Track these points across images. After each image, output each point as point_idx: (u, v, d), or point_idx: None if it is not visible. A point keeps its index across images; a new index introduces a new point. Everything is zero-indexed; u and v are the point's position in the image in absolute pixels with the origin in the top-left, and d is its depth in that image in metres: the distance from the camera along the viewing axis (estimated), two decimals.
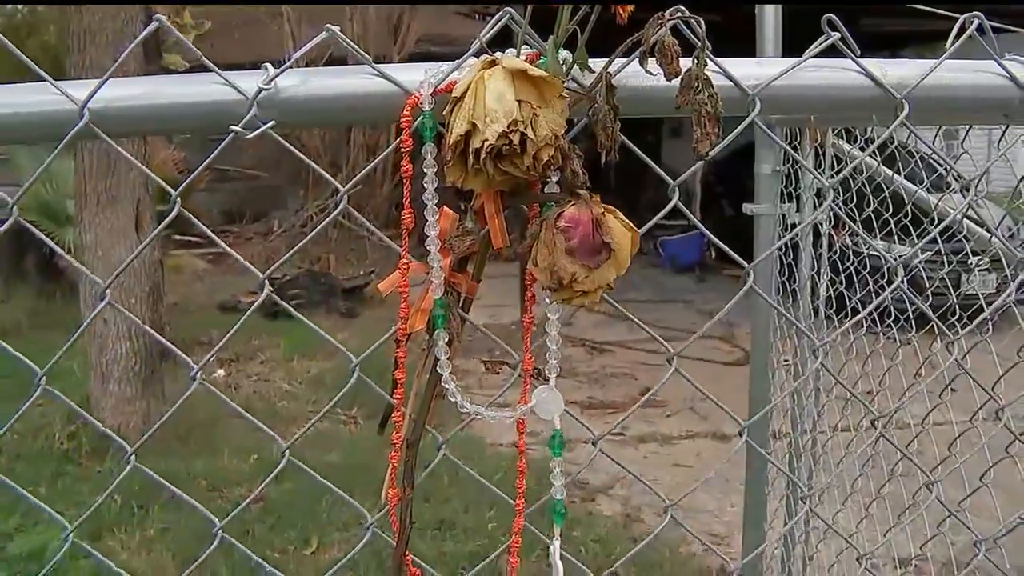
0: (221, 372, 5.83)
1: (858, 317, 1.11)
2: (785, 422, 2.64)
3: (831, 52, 0.75)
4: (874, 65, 0.77)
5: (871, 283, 2.41)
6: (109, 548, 3.31)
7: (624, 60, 0.68)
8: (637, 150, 0.72)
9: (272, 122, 0.71)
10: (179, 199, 0.76)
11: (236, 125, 0.70)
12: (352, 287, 7.88)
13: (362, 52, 0.70)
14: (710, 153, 0.64)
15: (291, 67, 0.71)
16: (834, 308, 2.54)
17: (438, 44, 14.35)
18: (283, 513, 3.81)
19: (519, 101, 0.62)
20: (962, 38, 0.77)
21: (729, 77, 0.72)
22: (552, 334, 0.72)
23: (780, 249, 2.53)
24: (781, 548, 2.67)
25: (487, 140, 0.62)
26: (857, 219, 2.38)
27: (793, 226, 2.57)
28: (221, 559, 3.33)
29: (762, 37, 2.26)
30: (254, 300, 6.91)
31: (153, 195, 4.46)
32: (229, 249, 0.85)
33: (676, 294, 8.47)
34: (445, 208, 0.73)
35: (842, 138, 2.41)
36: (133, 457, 0.86)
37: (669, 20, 0.63)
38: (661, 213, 0.80)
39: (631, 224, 0.67)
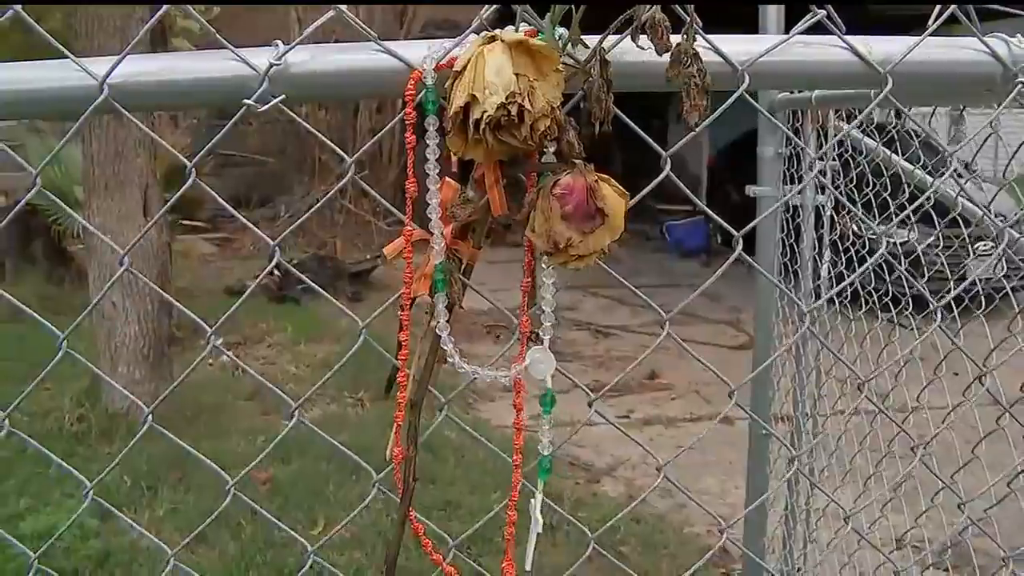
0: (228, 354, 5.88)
1: (839, 295, 1.14)
2: (787, 404, 2.68)
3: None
4: (860, 42, 0.80)
5: (872, 266, 2.43)
6: (119, 527, 3.37)
7: (617, 36, 0.71)
8: (629, 122, 0.76)
9: (283, 95, 0.75)
10: (194, 170, 0.79)
11: (249, 99, 0.73)
12: (359, 271, 7.93)
13: (368, 29, 0.73)
14: (699, 124, 0.68)
15: (300, 44, 0.74)
16: (836, 290, 2.56)
17: (443, 29, 14.36)
18: (290, 493, 3.87)
19: (517, 74, 0.66)
20: (944, 15, 0.80)
21: (719, 52, 0.76)
22: (547, 297, 0.76)
23: (782, 231, 2.56)
24: (783, 528, 2.71)
25: (486, 111, 0.65)
26: (857, 202, 2.40)
27: (795, 208, 2.60)
28: (229, 537, 3.40)
29: (765, 16, 2.29)
30: (263, 284, 6.92)
31: (160, 180, 4.50)
32: (244, 219, 0.89)
33: (682, 279, 8.51)
34: (447, 179, 0.76)
35: (844, 120, 2.42)
36: (151, 417, 0.90)
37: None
38: (654, 183, 0.83)
39: (624, 191, 0.70)
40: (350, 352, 0.87)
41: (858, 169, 2.41)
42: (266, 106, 0.74)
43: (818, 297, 2.57)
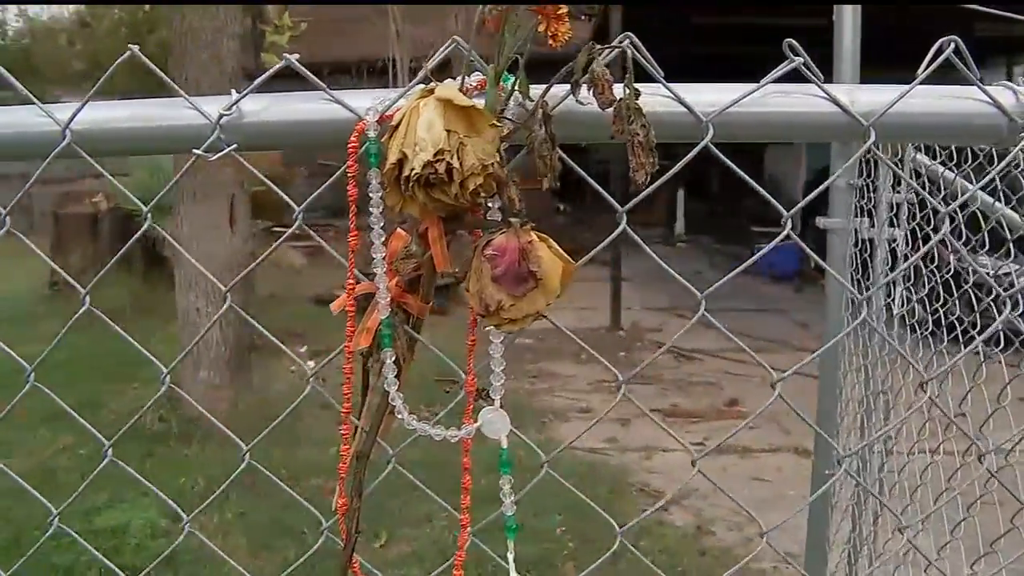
0: (311, 363, 6.02)
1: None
2: (849, 442, 2.56)
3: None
4: (844, 91, 0.75)
5: (956, 298, 2.30)
6: (188, 528, 3.48)
7: (563, 89, 0.68)
8: (583, 173, 0.72)
9: (235, 145, 0.75)
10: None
11: (199, 149, 0.73)
12: (444, 284, 7.97)
13: (317, 80, 0.73)
14: (647, 182, 0.64)
15: (252, 93, 0.74)
16: (915, 322, 2.43)
17: (543, 44, 14.41)
18: None
19: (448, 131, 0.64)
20: (936, 62, 0.73)
21: (682, 102, 0.72)
22: (495, 356, 0.73)
23: (853, 264, 2.46)
24: (845, 566, 2.59)
25: (414, 169, 0.63)
26: (931, 235, 2.27)
27: (863, 241, 2.48)
28: (291, 545, 3.46)
29: (840, 50, 2.20)
30: None
31: (247, 190, 4.64)
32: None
33: (771, 303, 8.26)
34: (399, 230, 0.75)
35: (921, 151, 2.30)
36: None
37: (600, 50, 0.63)
38: (606, 241, 0.80)
39: (565, 255, 0.67)
40: (289, 408, 0.86)
41: (939, 201, 2.29)
42: (218, 155, 0.74)
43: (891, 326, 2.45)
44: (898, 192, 2.41)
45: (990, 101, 0.75)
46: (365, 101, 0.73)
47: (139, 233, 0.90)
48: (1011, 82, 0.77)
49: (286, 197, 0.84)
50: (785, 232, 0.77)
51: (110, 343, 5.45)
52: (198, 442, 4.18)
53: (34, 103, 0.77)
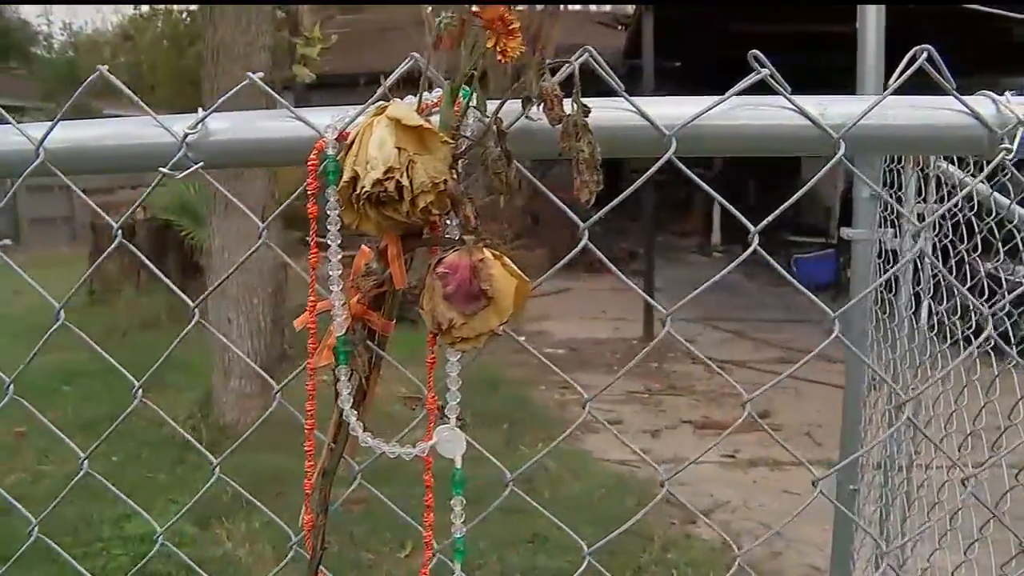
0: None
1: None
2: (873, 456, 2.51)
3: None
4: (814, 103, 0.73)
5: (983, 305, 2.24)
6: (215, 536, 3.51)
7: (517, 106, 0.67)
8: (544, 188, 0.71)
9: (201, 163, 0.75)
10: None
11: (165, 167, 0.74)
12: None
13: (280, 98, 0.73)
14: (591, 201, 0.63)
15: (216, 110, 0.74)
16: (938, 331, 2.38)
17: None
18: (382, 516, 3.93)
19: (398, 148, 0.63)
20: (908, 72, 0.71)
21: (644, 116, 0.71)
22: (452, 375, 0.73)
23: (879, 274, 2.42)
24: None
25: (364, 187, 0.63)
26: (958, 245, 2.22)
27: (891, 252, 2.43)
28: None
29: (863, 62, 2.16)
30: None
31: (277, 202, 4.69)
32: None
33: (806, 313, 8.14)
34: (363, 247, 0.75)
35: (948, 161, 2.26)
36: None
37: (549, 65, 0.62)
38: (566, 259, 0.78)
39: (520, 273, 0.66)
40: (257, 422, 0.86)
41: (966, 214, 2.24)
42: (185, 172, 0.75)
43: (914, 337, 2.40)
44: (924, 203, 2.36)
45: (968, 112, 0.73)
46: (327, 118, 0.73)
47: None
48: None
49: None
50: (752, 248, 0.75)
51: (148, 352, 5.55)
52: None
53: (9, 122, 0.78)
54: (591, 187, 0.63)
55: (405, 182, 0.62)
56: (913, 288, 2.39)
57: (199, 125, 0.74)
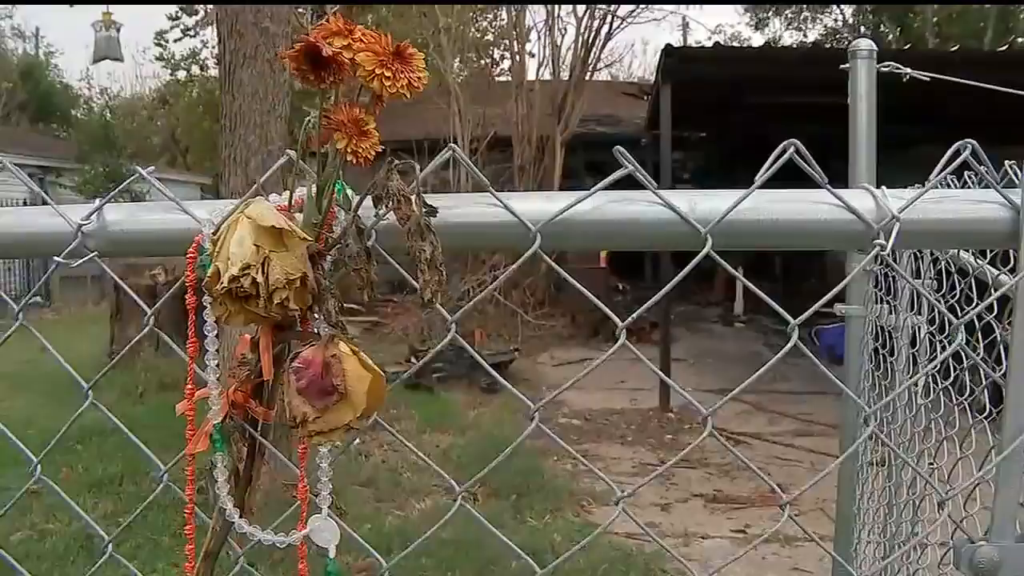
0: (356, 440, 6.05)
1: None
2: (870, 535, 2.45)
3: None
4: (684, 197, 0.74)
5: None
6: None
7: (376, 206, 0.69)
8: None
9: (95, 252, 0.78)
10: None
11: (59, 255, 0.76)
12: (495, 363, 8.00)
13: (168, 194, 0.75)
14: (433, 301, 0.64)
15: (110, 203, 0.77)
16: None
17: (604, 124, 14.58)
18: None
19: (256, 246, 0.65)
20: (778, 163, 0.72)
21: (511, 212, 0.72)
22: (323, 466, 0.73)
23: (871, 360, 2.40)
24: None
25: (223, 284, 0.65)
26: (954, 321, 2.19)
27: (883, 329, 2.41)
28: None
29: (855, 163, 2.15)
30: (403, 369, 7.14)
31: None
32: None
33: (829, 385, 8.00)
34: (243, 335, 0.76)
35: None
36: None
37: (398, 165, 0.64)
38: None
39: (375, 368, 0.67)
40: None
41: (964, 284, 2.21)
42: (80, 260, 0.77)
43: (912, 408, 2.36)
44: (918, 280, 2.34)
45: (844, 206, 0.73)
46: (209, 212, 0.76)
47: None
48: None
49: None
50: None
51: (163, 413, 5.58)
52: None
53: None
54: (432, 287, 0.64)
55: (260, 279, 0.64)
56: (907, 365, 2.36)
57: (93, 216, 0.77)
